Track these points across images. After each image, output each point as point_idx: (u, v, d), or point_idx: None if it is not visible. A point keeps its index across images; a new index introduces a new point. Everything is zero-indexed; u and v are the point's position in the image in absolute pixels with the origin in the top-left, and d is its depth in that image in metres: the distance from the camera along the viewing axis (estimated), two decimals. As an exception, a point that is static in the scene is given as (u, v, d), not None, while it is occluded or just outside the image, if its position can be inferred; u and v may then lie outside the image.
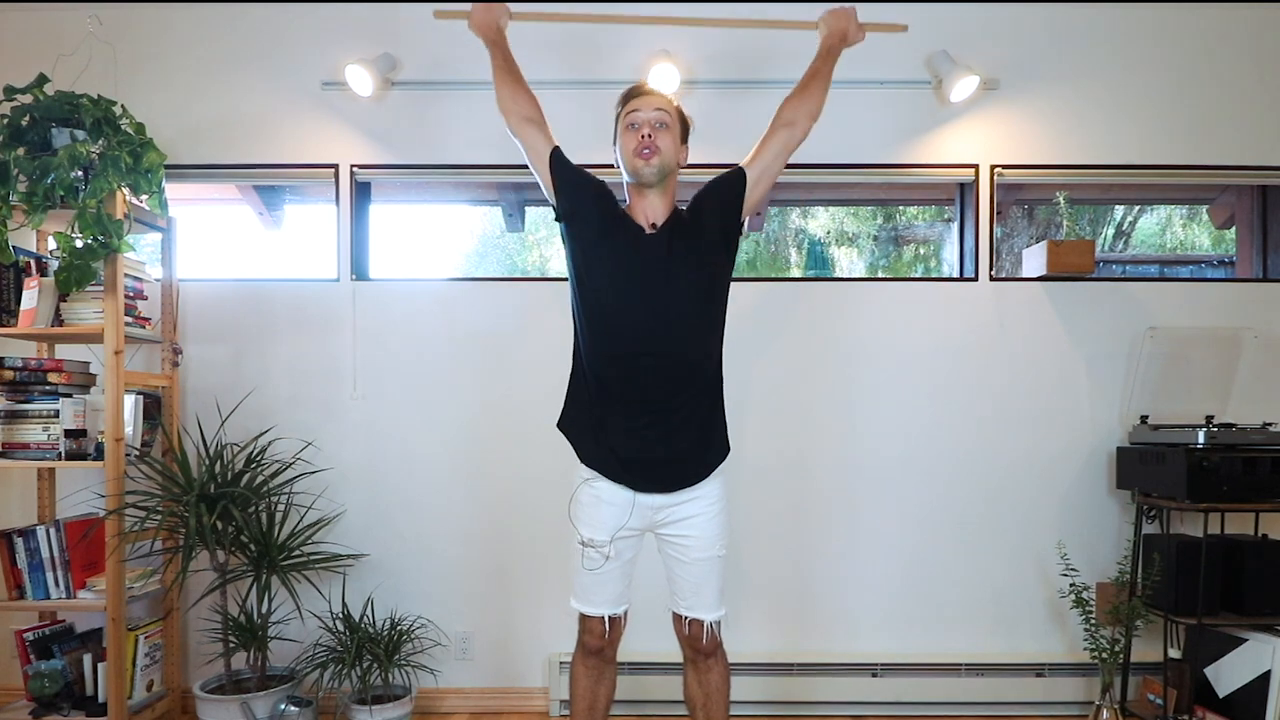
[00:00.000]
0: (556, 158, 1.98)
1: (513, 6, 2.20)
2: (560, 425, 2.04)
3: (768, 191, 2.05)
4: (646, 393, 1.90)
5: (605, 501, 1.96)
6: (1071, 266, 2.90)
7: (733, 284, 2.06)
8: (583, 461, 2.00)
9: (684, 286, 1.90)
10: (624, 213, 1.97)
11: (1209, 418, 2.69)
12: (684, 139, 2.00)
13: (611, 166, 2.04)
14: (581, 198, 1.96)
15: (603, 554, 1.96)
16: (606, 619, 2.01)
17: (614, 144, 2.00)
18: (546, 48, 3.00)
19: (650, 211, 1.95)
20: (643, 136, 1.90)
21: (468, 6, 2.14)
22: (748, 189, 1.97)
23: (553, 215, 2.02)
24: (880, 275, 7.05)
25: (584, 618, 2.03)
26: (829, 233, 7.54)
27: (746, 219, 2.03)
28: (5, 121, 2.44)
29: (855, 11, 2.14)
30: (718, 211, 1.97)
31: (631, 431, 1.91)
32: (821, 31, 2.17)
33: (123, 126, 2.55)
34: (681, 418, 1.92)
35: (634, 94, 1.97)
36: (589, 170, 2.01)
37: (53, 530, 2.59)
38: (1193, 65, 3.00)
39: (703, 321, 1.94)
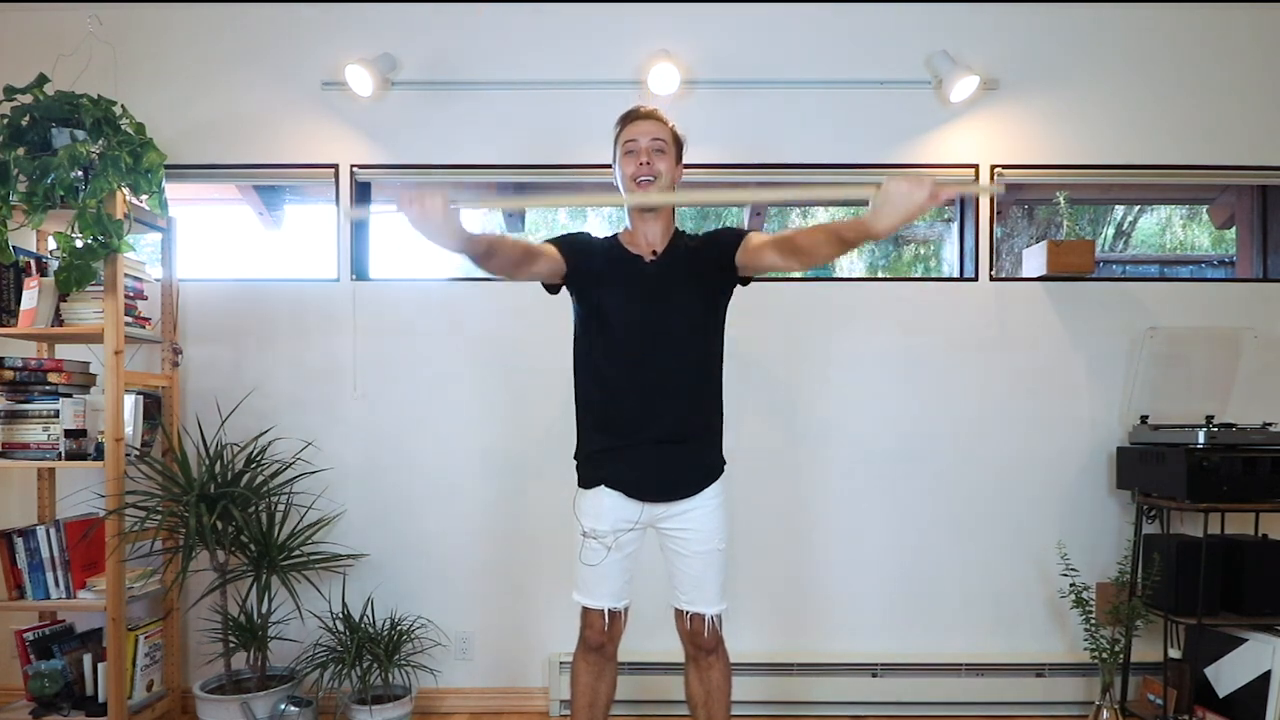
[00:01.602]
0: (567, 253, 1.99)
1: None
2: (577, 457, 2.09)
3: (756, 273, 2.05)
4: (647, 407, 1.95)
5: (608, 493, 1.99)
6: (1071, 266, 2.90)
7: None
8: (583, 486, 2.04)
9: (683, 306, 1.96)
10: (623, 248, 2.03)
11: (1209, 418, 2.69)
12: (679, 159, 2.06)
13: (607, 166, 2.07)
14: (590, 258, 2.01)
15: (604, 545, 1.98)
16: (607, 613, 2.02)
17: (613, 164, 2.06)
18: (547, 48, 3.00)
19: (650, 236, 2.02)
20: (641, 164, 1.96)
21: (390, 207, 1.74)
22: (737, 256, 1.96)
23: (545, 288, 2.08)
24: (880, 275, 7.04)
25: (585, 611, 2.05)
26: (829, 233, 7.51)
27: (739, 278, 2.03)
28: (5, 121, 2.44)
29: (934, 189, 1.56)
30: (716, 252, 2.00)
31: (632, 450, 1.96)
32: (876, 202, 1.62)
33: (123, 126, 2.54)
34: (680, 431, 1.97)
35: (631, 118, 2.02)
36: (581, 234, 2.07)
37: (53, 530, 2.59)
38: (1193, 65, 3.00)
39: (700, 340, 2.00)
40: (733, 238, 1.98)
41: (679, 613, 2.06)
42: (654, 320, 1.95)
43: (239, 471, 2.70)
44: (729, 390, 2.08)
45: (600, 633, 2.04)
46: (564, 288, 2.05)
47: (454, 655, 2.98)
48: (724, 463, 2.06)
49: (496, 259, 1.83)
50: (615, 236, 2.08)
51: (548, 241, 2.00)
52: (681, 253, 2.01)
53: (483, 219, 1.92)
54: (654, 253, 2.01)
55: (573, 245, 2.01)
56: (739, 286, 2.05)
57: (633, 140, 1.98)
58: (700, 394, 2.02)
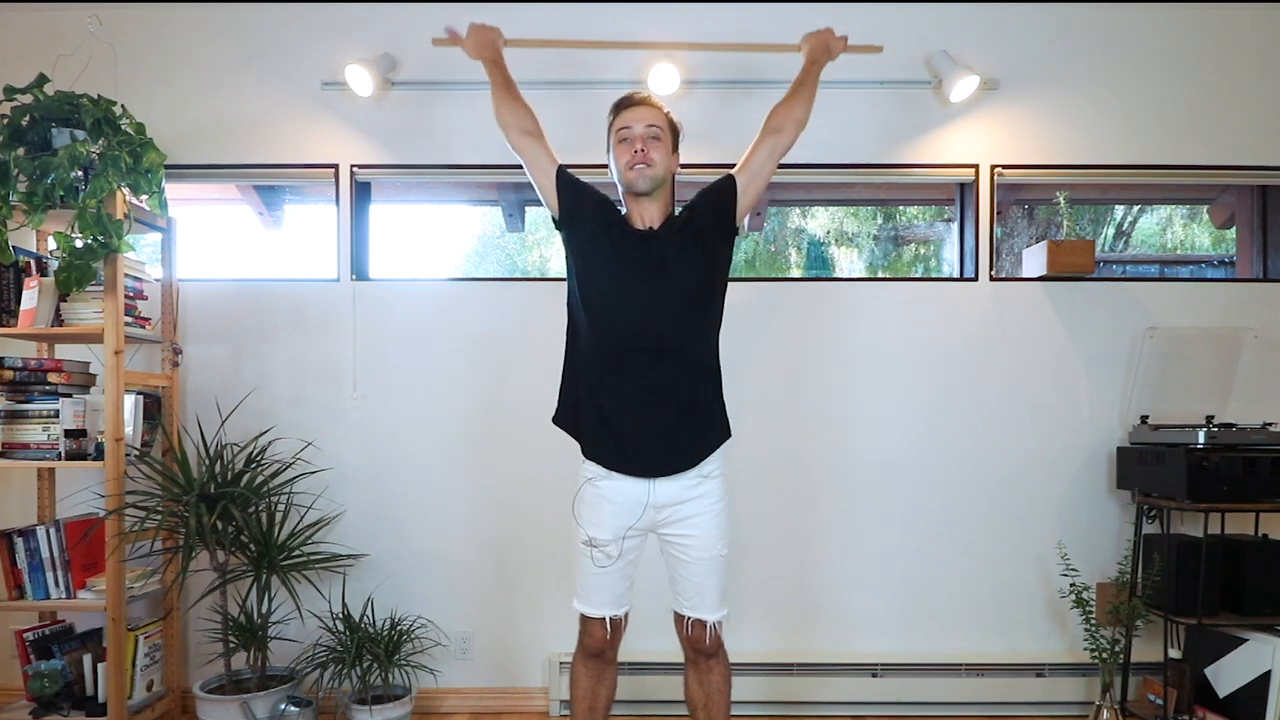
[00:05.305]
0: (563, 174, 2.01)
1: (505, 32, 2.28)
2: (556, 420, 2.06)
3: (760, 194, 2.09)
4: (648, 383, 1.92)
5: (608, 501, 1.97)
6: (1071, 266, 2.90)
7: (734, 284, 2.08)
8: (588, 457, 2.00)
9: (681, 284, 1.93)
10: (623, 219, 2.01)
11: (1209, 418, 2.69)
12: (675, 147, 2.03)
13: (607, 167, 2.06)
14: (583, 203, 1.99)
15: (606, 553, 1.96)
16: (608, 620, 2.01)
17: (607, 153, 2.04)
18: (546, 50, 3.00)
19: (647, 218, 2.00)
20: (636, 151, 1.93)
21: (463, 34, 2.24)
22: (738, 195, 2.01)
23: (552, 223, 2.06)
24: (880, 275, 7.05)
25: (585, 619, 2.03)
26: (829, 233, 7.54)
27: (744, 221, 2.06)
28: (5, 121, 2.44)
29: (833, 30, 2.28)
30: (711, 215, 2.00)
31: (633, 417, 1.93)
32: (804, 49, 2.26)
33: (123, 126, 2.54)
34: (681, 404, 1.94)
35: (625, 105, 2.00)
36: (588, 182, 2.04)
37: (53, 530, 2.59)
38: (1193, 65, 3.00)
39: (699, 317, 1.98)
40: (722, 182, 2.01)
41: (679, 617, 2.05)
42: (651, 286, 1.91)
43: (239, 471, 2.70)
44: (730, 391, 2.07)
45: (601, 640, 2.02)
46: (559, 231, 2.04)
47: (454, 655, 2.98)
48: (729, 431, 2.02)
49: (509, 99, 2.06)
50: (619, 206, 2.06)
51: (559, 164, 2.02)
52: (677, 224, 1.99)
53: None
54: (650, 229, 1.98)
55: (574, 181, 2.00)
56: (740, 232, 2.06)
57: (626, 128, 1.95)
58: (700, 360, 1.98)
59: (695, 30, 2.99)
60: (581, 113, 2.97)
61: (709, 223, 1.99)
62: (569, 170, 2.02)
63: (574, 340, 2.03)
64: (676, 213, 2.05)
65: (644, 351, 1.92)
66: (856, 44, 2.32)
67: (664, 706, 2.82)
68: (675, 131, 2.02)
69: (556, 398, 2.07)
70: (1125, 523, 2.95)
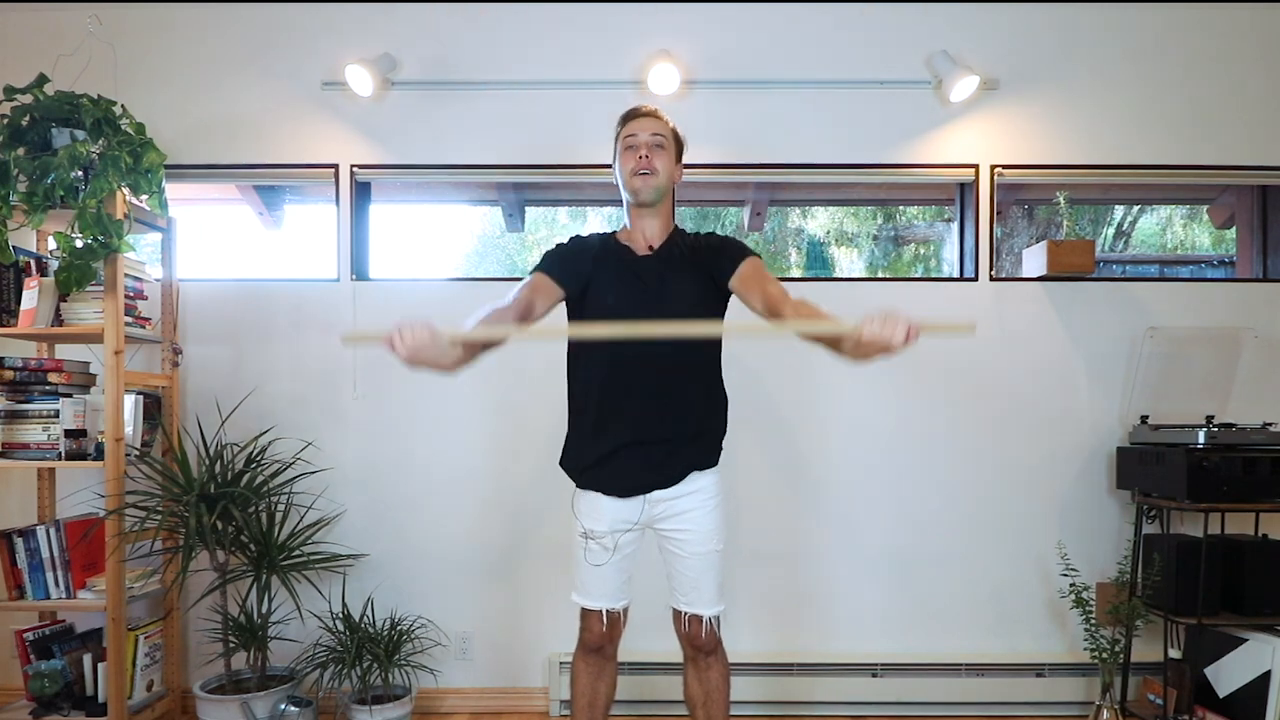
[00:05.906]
0: (559, 275, 1.96)
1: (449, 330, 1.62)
2: (563, 462, 2.07)
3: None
4: (646, 395, 1.94)
5: (605, 495, 1.99)
6: (1071, 266, 2.90)
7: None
8: (582, 487, 2.03)
9: (680, 299, 1.95)
10: (622, 247, 2.02)
11: (1209, 418, 2.69)
12: (678, 158, 2.05)
13: (607, 166, 2.07)
14: (584, 271, 1.98)
15: (603, 546, 1.98)
16: (605, 614, 2.02)
17: (613, 161, 2.06)
18: (547, 47, 3.00)
19: (648, 232, 2.02)
20: (641, 157, 1.95)
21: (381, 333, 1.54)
22: (731, 281, 1.95)
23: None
24: (880, 275, 7.06)
25: (584, 613, 2.05)
26: (829, 232, 7.54)
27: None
28: (5, 121, 2.44)
29: (910, 327, 1.50)
30: (713, 262, 1.98)
31: (632, 429, 1.94)
32: (852, 339, 1.57)
33: (123, 126, 2.55)
34: (680, 422, 1.96)
35: (632, 116, 2.02)
36: (567, 242, 2.04)
37: (53, 530, 2.59)
38: (1193, 65, 3.00)
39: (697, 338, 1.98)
40: (734, 256, 1.96)
41: (677, 614, 2.06)
42: (646, 312, 1.91)
43: (239, 471, 2.70)
44: (730, 392, 2.07)
45: (599, 634, 2.04)
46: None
47: (454, 655, 2.98)
48: (716, 458, 2.04)
49: (495, 333, 1.79)
50: (613, 233, 2.08)
51: (535, 271, 1.97)
52: (679, 249, 2.01)
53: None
54: (650, 248, 2.00)
55: (561, 259, 1.99)
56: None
57: (632, 135, 1.99)
58: (695, 391, 1.99)
59: (694, 29, 2.99)
60: (582, 112, 2.98)
61: (708, 258, 1.99)
62: (550, 260, 1.98)
63: (576, 367, 2.04)
64: (678, 229, 2.06)
65: (642, 363, 1.93)
66: (938, 325, 1.79)
67: (664, 706, 2.82)
68: (679, 143, 2.06)
69: (559, 398, 2.06)
70: (1125, 523, 2.95)
